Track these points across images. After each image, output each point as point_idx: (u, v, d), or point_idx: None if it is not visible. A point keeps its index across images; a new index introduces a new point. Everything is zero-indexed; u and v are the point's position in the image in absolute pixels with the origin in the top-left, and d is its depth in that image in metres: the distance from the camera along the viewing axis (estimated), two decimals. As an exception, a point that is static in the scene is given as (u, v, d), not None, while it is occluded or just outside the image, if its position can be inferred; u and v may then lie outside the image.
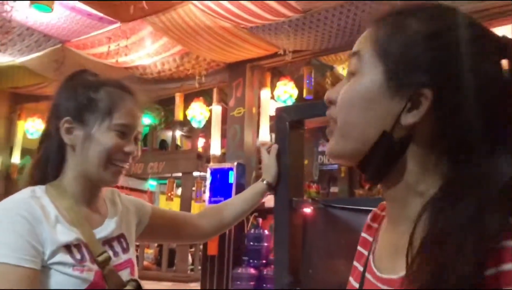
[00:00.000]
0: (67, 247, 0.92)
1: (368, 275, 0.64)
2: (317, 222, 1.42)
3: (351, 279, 0.70)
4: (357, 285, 0.67)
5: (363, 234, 0.74)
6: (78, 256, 0.92)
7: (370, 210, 0.76)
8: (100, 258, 0.93)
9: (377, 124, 0.57)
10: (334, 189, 11.30)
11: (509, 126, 0.54)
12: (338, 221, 1.38)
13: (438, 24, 0.56)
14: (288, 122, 1.42)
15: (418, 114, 0.55)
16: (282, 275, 1.36)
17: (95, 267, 0.93)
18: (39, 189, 0.99)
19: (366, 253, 0.70)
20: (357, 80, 0.59)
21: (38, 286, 0.88)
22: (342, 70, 6.39)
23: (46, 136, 1.05)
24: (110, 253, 0.98)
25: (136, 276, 1.02)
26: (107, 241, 1.00)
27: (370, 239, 0.71)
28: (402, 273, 0.54)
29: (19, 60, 5.26)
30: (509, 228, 0.47)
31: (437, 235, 0.50)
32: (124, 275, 0.99)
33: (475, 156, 0.53)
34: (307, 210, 1.43)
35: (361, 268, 0.68)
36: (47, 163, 1.02)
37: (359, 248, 0.73)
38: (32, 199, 0.95)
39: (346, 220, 1.34)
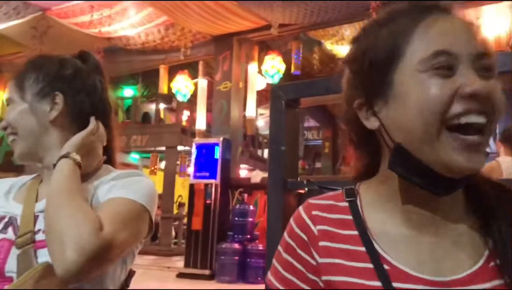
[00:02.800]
0: None
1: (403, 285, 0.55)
2: (312, 203, 1.39)
3: None
4: None
5: (333, 245, 0.60)
6: None
7: None
8: (18, 240, 0.89)
9: None
10: (317, 165, 11.35)
11: None
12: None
13: None
14: (284, 100, 1.37)
15: None
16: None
17: (8, 236, 0.90)
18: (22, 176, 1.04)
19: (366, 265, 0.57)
20: (495, 80, 0.59)
21: None
22: (330, 45, 6.31)
23: None
24: (41, 227, 0.90)
25: None
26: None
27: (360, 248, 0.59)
28: (469, 270, 0.56)
29: (-3, 27, 5.07)
30: None
31: None
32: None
33: None
34: (302, 191, 1.40)
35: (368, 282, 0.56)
36: None
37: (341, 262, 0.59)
38: None
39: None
